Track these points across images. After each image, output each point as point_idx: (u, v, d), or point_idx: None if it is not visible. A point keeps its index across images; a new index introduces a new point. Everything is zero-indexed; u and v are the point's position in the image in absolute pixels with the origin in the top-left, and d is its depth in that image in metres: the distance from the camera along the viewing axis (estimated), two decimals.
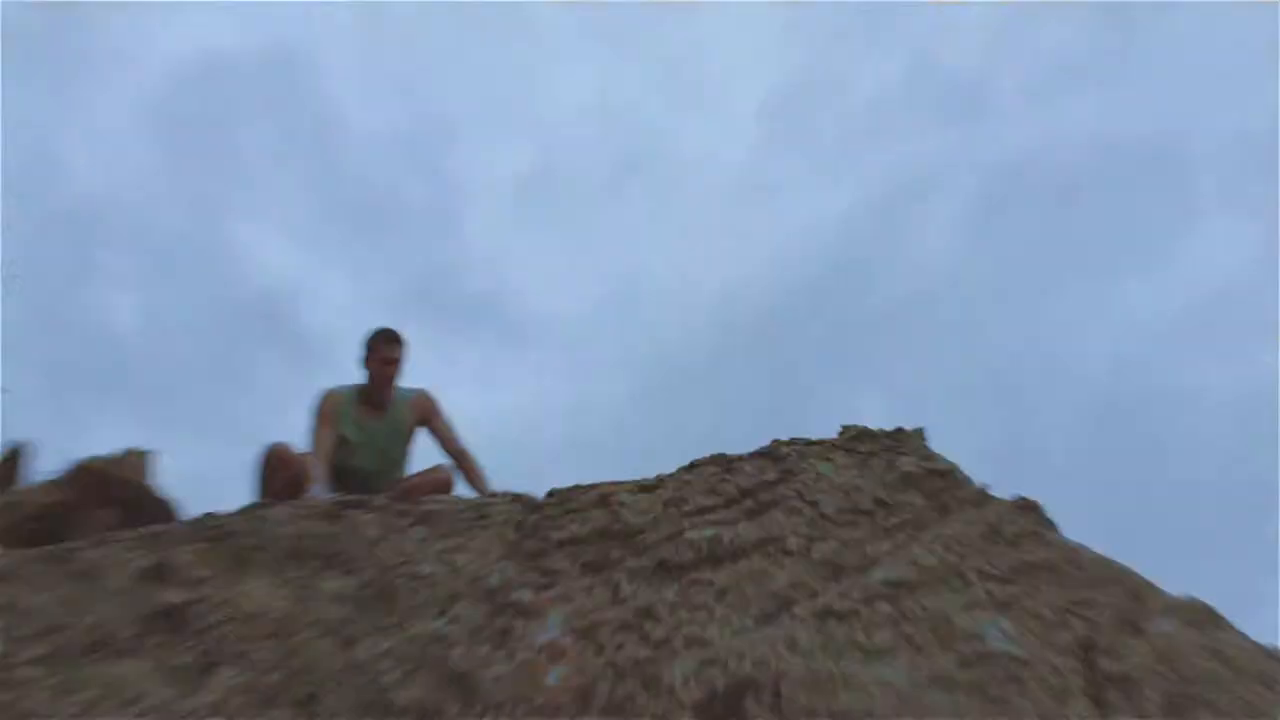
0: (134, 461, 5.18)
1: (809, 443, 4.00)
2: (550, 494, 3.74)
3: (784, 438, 4.04)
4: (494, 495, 4.02)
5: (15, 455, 5.04)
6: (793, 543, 3.53)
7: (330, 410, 4.68)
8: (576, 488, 3.73)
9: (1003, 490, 3.92)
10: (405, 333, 4.82)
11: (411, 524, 3.57)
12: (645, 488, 3.73)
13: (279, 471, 4.34)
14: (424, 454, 4.92)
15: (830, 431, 4.15)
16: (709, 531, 3.55)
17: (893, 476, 3.86)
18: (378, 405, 4.75)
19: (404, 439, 4.84)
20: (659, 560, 3.43)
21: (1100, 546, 3.78)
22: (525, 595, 3.29)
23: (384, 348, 4.75)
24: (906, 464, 3.92)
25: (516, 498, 3.79)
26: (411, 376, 4.93)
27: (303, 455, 4.48)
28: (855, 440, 4.05)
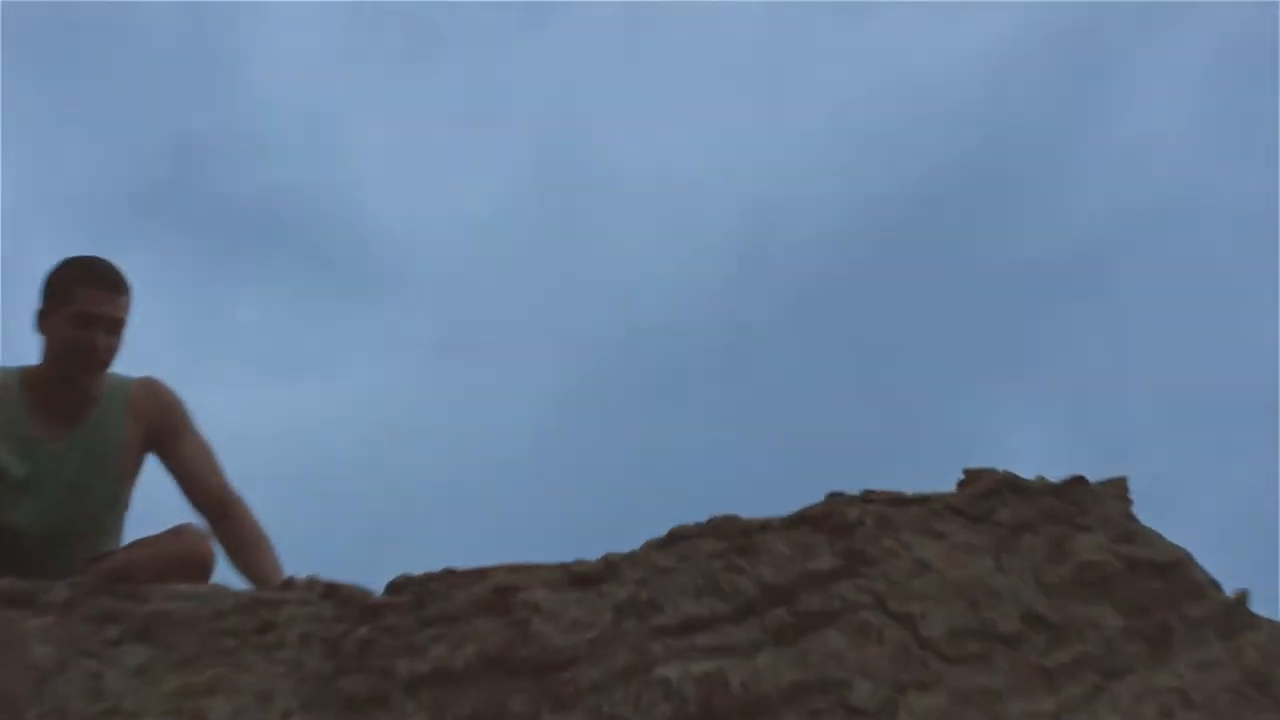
0: None
1: (898, 500, 2.50)
2: (397, 585, 2.29)
3: (849, 489, 2.56)
4: (289, 585, 2.48)
5: None
6: (865, 692, 2.10)
7: None
8: (449, 574, 2.28)
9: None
10: (125, 272, 3.01)
11: (121, 639, 2.11)
12: (580, 578, 2.28)
13: None
14: (154, 507, 3.07)
15: (943, 481, 2.65)
16: (701, 666, 2.11)
17: (1062, 572, 2.40)
18: (67, 408, 2.98)
19: (115, 472, 3.01)
20: (603, 718, 2.04)
21: None
22: None
23: (88, 296, 2.92)
24: (1089, 547, 2.45)
25: (331, 591, 2.30)
26: (131, 358, 3.09)
27: None
28: (989, 499, 2.52)
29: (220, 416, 3.11)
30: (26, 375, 2.97)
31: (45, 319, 2.93)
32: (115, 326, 2.91)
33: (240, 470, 3.04)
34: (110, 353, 2.92)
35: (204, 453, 3.02)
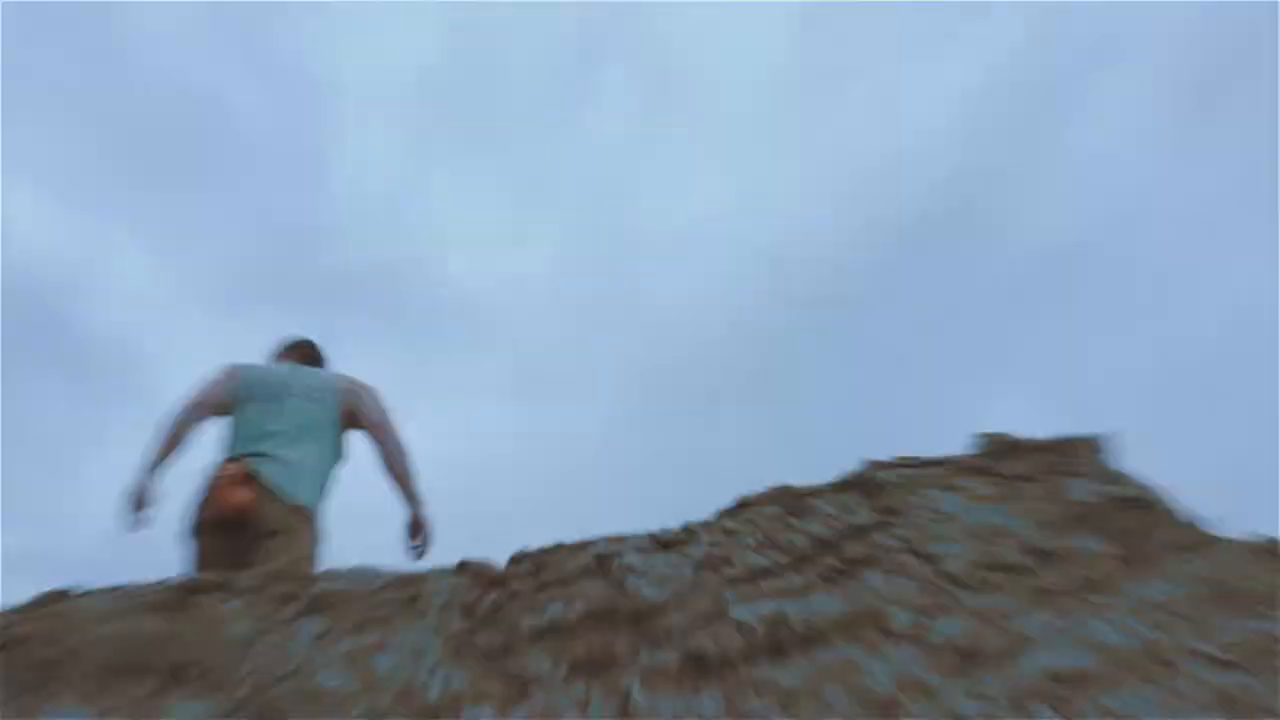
0: None
1: (923, 464, 3.00)
2: (517, 557, 2.84)
3: (881, 456, 3.04)
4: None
5: None
6: (901, 620, 2.57)
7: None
8: (558, 548, 2.83)
9: (1240, 525, 2.85)
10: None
11: (300, 614, 2.70)
12: (667, 543, 2.81)
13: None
14: None
15: (954, 446, 3.11)
16: (767, 607, 2.60)
17: (1057, 512, 2.82)
18: None
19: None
20: (690, 653, 2.52)
21: None
22: (485, 713, 2.42)
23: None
24: (1080, 491, 2.87)
25: (464, 566, 2.88)
26: None
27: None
28: (996, 458, 3.01)
29: None
30: None
31: None
32: None
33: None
34: None
35: None
